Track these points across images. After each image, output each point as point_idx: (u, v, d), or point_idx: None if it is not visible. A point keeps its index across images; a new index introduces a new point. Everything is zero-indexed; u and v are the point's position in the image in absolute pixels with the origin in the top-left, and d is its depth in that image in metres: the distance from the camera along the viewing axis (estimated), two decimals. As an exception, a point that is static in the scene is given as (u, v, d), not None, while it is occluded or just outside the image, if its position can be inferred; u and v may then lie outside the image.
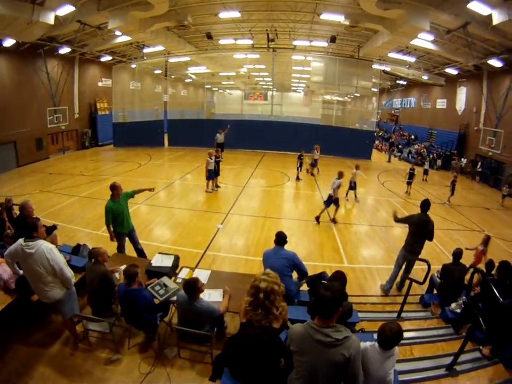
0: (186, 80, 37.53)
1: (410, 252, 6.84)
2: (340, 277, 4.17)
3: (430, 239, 6.82)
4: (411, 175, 16.79)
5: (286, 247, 5.48)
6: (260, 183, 16.48)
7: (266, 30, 20.76)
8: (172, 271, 5.48)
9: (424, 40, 18.86)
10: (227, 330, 4.77)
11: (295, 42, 22.77)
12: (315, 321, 2.65)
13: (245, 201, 13.32)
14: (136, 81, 27.35)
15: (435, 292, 6.88)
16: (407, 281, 6.23)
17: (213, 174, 13.99)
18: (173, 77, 32.16)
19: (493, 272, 6.22)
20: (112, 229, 6.83)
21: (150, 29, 17.84)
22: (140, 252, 7.34)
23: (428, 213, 6.87)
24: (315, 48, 24.70)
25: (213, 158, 13.79)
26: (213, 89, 43.58)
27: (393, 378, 3.17)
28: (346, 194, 14.62)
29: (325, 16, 17.04)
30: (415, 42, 18.96)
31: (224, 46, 25.02)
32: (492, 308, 4.63)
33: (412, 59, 24.39)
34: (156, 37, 20.09)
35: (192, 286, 4.09)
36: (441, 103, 30.56)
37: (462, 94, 27.22)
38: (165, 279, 4.94)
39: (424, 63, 25.68)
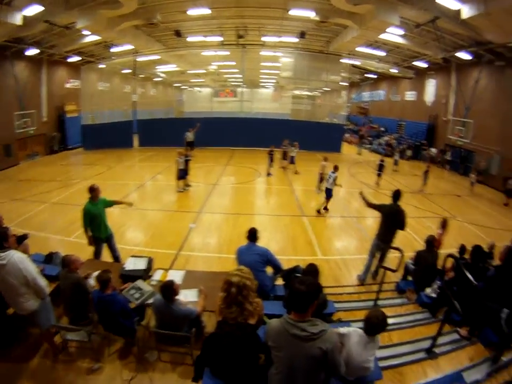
0: (156, 79, 36.95)
1: (383, 241, 6.85)
2: (313, 270, 4.20)
3: (402, 228, 6.83)
4: (381, 167, 17.02)
5: (259, 242, 5.45)
6: (231, 180, 16.37)
7: (236, 26, 20.62)
8: (145, 274, 5.37)
9: (394, 35, 19.07)
10: (205, 330, 4.64)
11: (265, 39, 22.67)
12: (291, 315, 2.62)
13: (216, 199, 13.20)
14: (105, 82, 26.82)
15: (410, 278, 6.97)
16: (382, 270, 6.27)
17: (183, 174, 13.79)
18: (142, 76, 31.60)
19: (466, 256, 6.32)
20: (90, 233, 6.63)
21: (119, 27, 17.39)
22: (117, 259, 7.09)
23: (399, 203, 6.92)
24: (284, 44, 24.58)
25: (183, 157, 13.60)
26: (182, 87, 43.21)
27: (373, 366, 3.22)
28: (318, 187, 14.73)
29: (294, 12, 16.98)
30: (384, 36, 19.15)
31: (194, 44, 24.59)
32: (466, 290, 4.67)
33: (381, 53, 24.73)
34: (124, 36, 19.61)
35: (169, 289, 4.03)
36: (410, 95, 31.25)
37: (431, 86, 27.75)
38: (139, 283, 4.81)
39: (393, 56, 26.01)
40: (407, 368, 3.66)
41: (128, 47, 23.51)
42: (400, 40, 20.43)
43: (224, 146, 24.45)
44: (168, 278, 4.58)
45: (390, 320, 4.98)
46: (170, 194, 13.69)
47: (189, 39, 22.79)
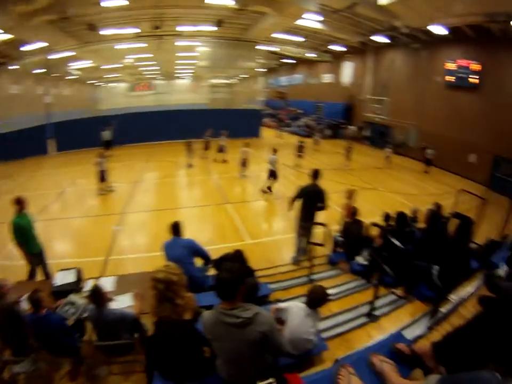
0: (71, 78, 34.45)
1: (306, 220, 6.94)
2: (237, 256, 4.25)
3: (324, 206, 6.96)
4: (300, 148, 17.59)
5: (187, 235, 5.36)
6: (153, 176, 15.85)
7: (152, 17, 19.66)
8: (77, 286, 4.96)
9: (312, 20, 19.31)
10: (149, 333, 4.47)
11: (181, 28, 21.95)
12: (222, 305, 2.60)
13: (140, 197, 12.70)
14: (15, 84, 24.49)
15: (340, 250, 7.16)
16: (311, 246, 6.43)
17: (104, 175, 12.99)
18: (56, 75, 29.38)
19: (392, 223, 6.59)
20: (23, 249, 6.11)
21: (31, 23, 15.77)
22: (48, 276, 6.49)
23: (318, 182, 7.04)
24: (202, 33, 23.89)
25: (103, 158, 12.85)
26: (98, 84, 41.08)
27: (316, 338, 3.26)
28: (241, 172, 15.13)
29: (212, 0, 16.51)
30: (302, 22, 19.40)
31: (108, 37, 23.10)
32: (396, 254, 4.88)
33: (298, 39, 25.01)
34: (36, 33, 17.89)
35: (96, 294, 3.75)
36: (327, 78, 32.56)
37: (348, 68, 29.19)
38: (72, 297, 4.39)
39: (311, 41, 26.46)
40: (351, 334, 3.72)
41: (42, 44, 21.56)
42: (318, 26, 20.68)
43: (144, 142, 23.55)
44: (105, 289, 4.30)
45: (327, 292, 5.21)
46: (92, 199, 12.81)
47: (103, 32, 21.39)
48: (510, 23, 14.01)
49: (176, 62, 31.51)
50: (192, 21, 21.02)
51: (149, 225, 10.07)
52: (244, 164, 14.90)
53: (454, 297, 4.04)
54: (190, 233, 5.50)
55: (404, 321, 3.82)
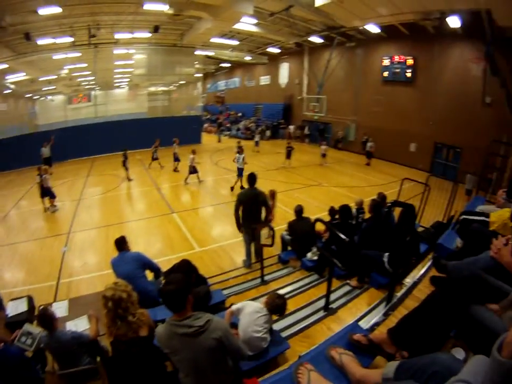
0: (4, 92, 32.63)
1: (251, 223, 6.84)
2: (182, 266, 4.15)
3: (267, 209, 6.99)
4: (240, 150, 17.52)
5: (137, 249, 5.26)
6: (95, 191, 15.03)
7: (88, 25, 18.98)
8: (30, 315, 4.63)
9: (248, 24, 19.59)
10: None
11: (118, 36, 21.27)
12: (173, 316, 2.58)
13: (84, 215, 12.06)
14: None
15: (289, 248, 7.24)
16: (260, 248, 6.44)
17: (49, 192, 12.28)
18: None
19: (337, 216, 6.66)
20: None
21: None
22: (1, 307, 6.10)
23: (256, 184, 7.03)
24: (138, 40, 23.45)
25: (46, 174, 12.15)
26: (35, 97, 39.06)
27: (268, 336, 3.29)
28: (186, 179, 14.99)
29: (148, 6, 16.19)
30: (238, 26, 19.52)
31: (44, 47, 22.08)
32: (344, 246, 4.92)
33: (235, 42, 25.27)
34: None
35: (44, 318, 3.53)
36: (264, 80, 33.35)
37: (284, 69, 29.93)
38: (27, 327, 4.02)
39: (247, 45, 26.85)
40: (311, 329, 3.68)
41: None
42: (254, 29, 21.02)
43: (84, 157, 22.63)
44: (53, 311, 4.00)
45: (281, 292, 5.09)
46: (37, 220, 12.00)
47: (39, 41, 20.37)
48: (442, 20, 14.91)
49: (114, 70, 30.62)
50: (129, 27, 20.46)
51: (97, 242, 9.62)
52: (193, 171, 14.81)
53: (408, 280, 4.12)
54: (138, 246, 5.30)
55: (361, 310, 3.84)
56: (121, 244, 5.01)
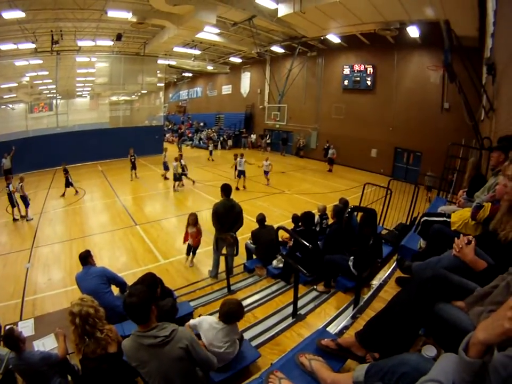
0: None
1: (222, 234, 6.67)
2: (147, 279, 4.05)
3: (240, 222, 6.87)
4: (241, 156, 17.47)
5: (102, 263, 5.22)
6: (57, 204, 14.43)
7: (51, 30, 18.45)
8: None
9: (210, 33, 19.75)
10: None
11: (80, 43, 20.82)
12: (138, 328, 2.57)
13: (47, 229, 11.57)
14: None
15: (254, 257, 7.24)
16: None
17: (25, 201, 12.13)
18: None
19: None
20: None
21: None
22: None
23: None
24: (100, 48, 23.17)
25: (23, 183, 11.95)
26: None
27: (234, 349, 3.21)
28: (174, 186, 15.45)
29: (112, 14, 16.01)
30: (201, 35, 19.72)
31: (5, 53, 21.19)
32: (307, 252, 4.96)
33: (197, 52, 25.33)
34: None
35: (10, 338, 3.36)
36: (226, 89, 33.72)
37: (246, 79, 30.26)
38: None
39: (209, 54, 27.08)
40: (281, 337, 3.64)
41: None
42: (216, 38, 21.25)
43: (45, 168, 21.57)
44: (20, 331, 3.79)
45: (249, 300, 5.15)
46: None
47: (1, 46, 19.46)
48: (402, 30, 15.56)
49: (76, 79, 29.90)
50: (92, 35, 20.17)
51: (61, 257, 9.20)
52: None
53: (374, 282, 4.16)
54: (103, 261, 5.14)
55: (330, 314, 3.84)
56: (85, 258, 4.89)
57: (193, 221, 7.81)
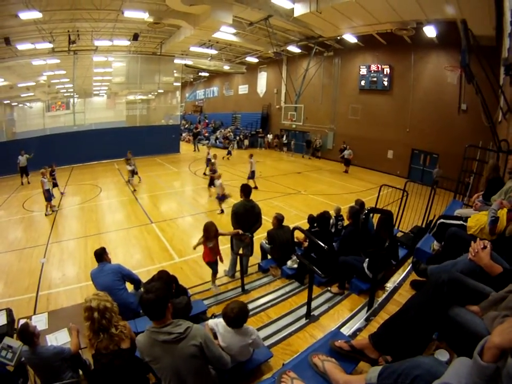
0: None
1: (241, 239, 6.62)
2: (161, 276, 4.10)
3: (259, 223, 6.82)
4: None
5: (117, 260, 5.20)
6: (73, 201, 14.64)
7: (68, 31, 18.76)
8: (10, 329, 4.44)
9: (226, 33, 19.79)
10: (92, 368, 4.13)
11: (97, 43, 21.06)
12: (153, 324, 2.61)
13: (62, 225, 11.79)
14: None
15: (269, 257, 7.23)
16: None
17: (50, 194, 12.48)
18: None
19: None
20: None
21: None
22: None
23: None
24: (117, 48, 23.41)
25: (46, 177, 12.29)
26: (13, 104, 38.03)
27: (251, 350, 3.23)
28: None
29: (128, 14, 16.16)
30: (217, 35, 19.76)
31: (23, 52, 21.61)
32: (322, 254, 4.97)
33: (213, 51, 25.39)
34: None
35: (25, 333, 3.43)
36: (243, 89, 33.71)
37: (262, 79, 30.21)
38: (7, 340, 3.86)
39: (226, 54, 27.12)
40: (293, 337, 3.65)
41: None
42: (233, 38, 21.27)
43: (62, 165, 21.35)
44: (33, 324, 3.86)
45: (262, 300, 5.19)
46: (15, 231, 11.55)
47: (19, 46, 19.93)
48: (418, 29, 15.35)
49: (93, 78, 30.27)
50: (108, 35, 20.39)
51: (75, 254, 9.36)
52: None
53: (389, 285, 4.14)
54: (118, 258, 5.20)
55: (343, 316, 3.84)
56: (101, 255, 4.93)
57: (213, 232, 6.29)
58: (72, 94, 27.24)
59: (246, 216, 6.65)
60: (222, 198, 11.94)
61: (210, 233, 6.19)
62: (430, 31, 15.24)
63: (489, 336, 1.23)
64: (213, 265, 6.44)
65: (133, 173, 16.13)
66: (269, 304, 4.99)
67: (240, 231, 6.37)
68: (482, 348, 1.22)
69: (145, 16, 16.37)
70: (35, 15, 14.54)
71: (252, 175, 15.51)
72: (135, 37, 19.96)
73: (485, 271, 2.25)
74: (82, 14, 16.63)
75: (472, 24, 10.37)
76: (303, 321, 4.06)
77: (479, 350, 1.23)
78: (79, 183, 17.47)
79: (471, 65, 7.55)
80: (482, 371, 1.17)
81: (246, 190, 6.80)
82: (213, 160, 15.75)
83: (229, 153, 24.09)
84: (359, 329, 3.01)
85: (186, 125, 39.93)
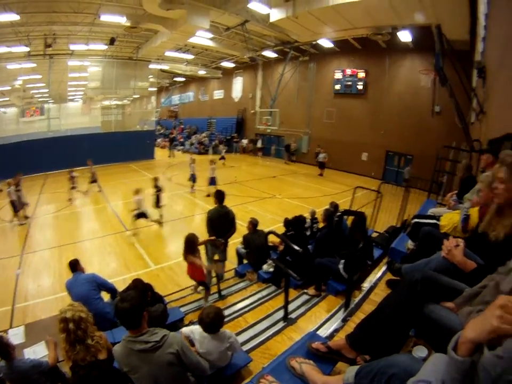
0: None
1: (216, 246, 6.61)
2: (136, 285, 4.11)
3: (234, 229, 6.80)
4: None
5: (92, 269, 5.20)
6: (47, 210, 14.16)
7: (45, 34, 18.38)
8: None
9: (203, 38, 19.89)
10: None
11: (73, 47, 20.79)
12: (129, 334, 2.60)
13: (37, 235, 11.40)
14: None
15: (245, 262, 7.22)
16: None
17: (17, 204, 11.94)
18: None
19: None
20: None
21: None
22: None
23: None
24: (93, 52, 23.12)
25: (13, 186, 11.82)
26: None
27: (229, 355, 3.20)
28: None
29: (105, 18, 15.97)
30: (193, 40, 19.82)
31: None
32: (298, 257, 5.00)
33: (189, 56, 25.49)
34: None
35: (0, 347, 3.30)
36: (218, 94, 33.83)
37: (238, 84, 30.41)
38: None
39: (202, 59, 27.17)
40: (272, 341, 3.62)
41: None
42: (209, 43, 21.34)
43: (37, 173, 21.02)
44: (9, 338, 3.73)
45: (239, 305, 5.17)
46: None
47: None
48: (393, 34, 15.69)
49: (68, 83, 29.75)
50: (85, 39, 20.06)
51: (51, 263, 9.06)
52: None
53: (365, 285, 4.17)
54: (93, 266, 5.10)
55: (321, 318, 3.83)
56: (75, 265, 4.93)
57: (197, 244, 5.82)
58: (47, 99, 26.73)
59: (220, 222, 6.61)
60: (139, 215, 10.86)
61: (192, 246, 5.68)
62: (405, 36, 15.61)
63: (462, 331, 1.22)
64: (205, 282, 5.87)
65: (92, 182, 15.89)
66: (246, 309, 4.97)
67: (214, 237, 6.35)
68: (456, 342, 1.21)
69: (122, 20, 16.24)
70: (12, 17, 14.30)
71: (212, 182, 14.87)
72: (112, 41, 19.75)
73: (458, 268, 2.27)
74: (60, 17, 16.41)
75: (446, 29, 10.66)
76: (281, 324, 4.04)
77: (452, 345, 1.22)
78: (54, 191, 16.97)
79: (444, 68, 7.74)
80: (458, 365, 1.16)
81: (220, 196, 6.74)
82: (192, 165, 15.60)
83: (223, 158, 23.88)
84: (336, 330, 3.01)
85: (162, 131, 39.68)
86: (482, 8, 8.87)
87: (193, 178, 15.94)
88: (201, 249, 6.25)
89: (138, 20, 16.68)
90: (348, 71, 21.20)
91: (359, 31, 16.30)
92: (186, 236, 5.77)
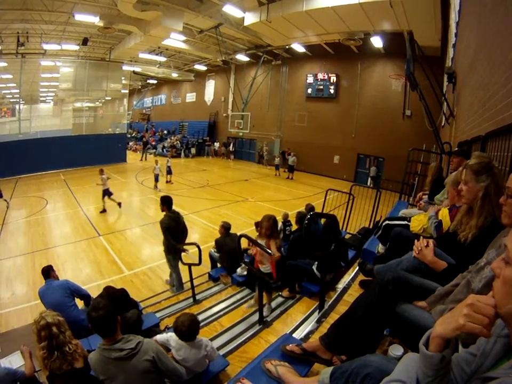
0: None
1: (176, 250, 6.59)
2: (109, 292, 4.08)
3: (187, 231, 6.87)
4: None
5: (64, 276, 5.18)
6: (18, 215, 13.66)
7: (17, 32, 18.01)
8: None
9: (176, 40, 19.77)
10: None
11: (46, 46, 20.32)
12: (104, 342, 2.58)
13: (8, 240, 10.96)
14: None
15: (219, 265, 7.23)
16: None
17: None
18: None
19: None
20: None
21: None
22: None
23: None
24: (66, 52, 22.78)
25: None
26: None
27: (206, 361, 3.20)
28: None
29: (79, 17, 15.77)
30: (167, 42, 19.79)
31: None
32: None
33: (162, 59, 25.39)
34: None
35: None
36: (190, 97, 33.89)
37: (210, 87, 30.42)
38: None
39: (174, 61, 27.17)
40: (248, 344, 3.61)
41: None
42: (182, 46, 21.39)
43: (7, 176, 20.05)
44: None
45: (215, 309, 5.18)
46: None
47: None
48: (365, 40, 16.10)
49: (40, 84, 28.96)
50: (58, 38, 19.80)
51: (24, 270, 8.75)
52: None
53: (340, 286, 4.20)
54: (66, 273, 4.96)
55: (296, 320, 3.83)
56: (48, 272, 4.82)
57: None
58: (18, 100, 25.93)
59: (177, 228, 6.57)
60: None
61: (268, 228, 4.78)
62: (377, 42, 16.02)
63: (433, 327, 1.25)
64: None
65: None
66: (221, 313, 4.95)
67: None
68: (427, 338, 1.24)
69: (96, 20, 16.09)
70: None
71: (107, 193, 13.48)
72: (85, 42, 19.50)
73: (430, 268, 2.31)
74: (33, 15, 16.11)
75: (418, 36, 10.99)
76: (257, 327, 4.03)
77: (424, 340, 1.24)
78: (25, 195, 16.47)
79: (415, 73, 7.92)
80: (429, 361, 1.18)
81: (168, 202, 6.57)
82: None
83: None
84: (311, 332, 3.02)
85: (133, 134, 39.20)
86: (453, 15, 9.17)
87: (156, 178, 16.58)
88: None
89: (112, 20, 16.55)
90: (320, 75, 21.53)
91: (332, 36, 16.57)
92: (268, 216, 4.88)
